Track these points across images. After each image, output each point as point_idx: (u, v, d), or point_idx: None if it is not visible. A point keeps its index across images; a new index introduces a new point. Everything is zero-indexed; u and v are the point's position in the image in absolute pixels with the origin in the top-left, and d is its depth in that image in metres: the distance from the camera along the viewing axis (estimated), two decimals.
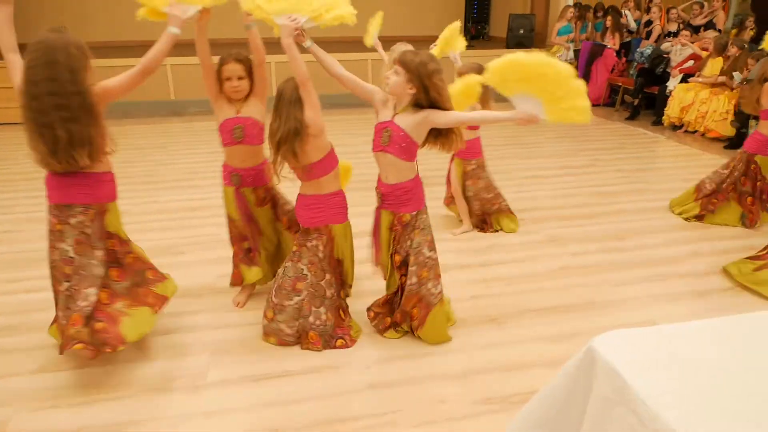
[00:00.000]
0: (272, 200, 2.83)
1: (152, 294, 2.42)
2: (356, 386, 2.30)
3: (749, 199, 3.85)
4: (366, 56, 8.18)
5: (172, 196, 4.54)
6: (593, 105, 8.55)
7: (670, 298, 3.00)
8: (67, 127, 2.02)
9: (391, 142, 2.31)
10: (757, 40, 7.15)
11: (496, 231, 3.81)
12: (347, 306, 2.68)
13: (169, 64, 8.00)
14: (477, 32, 10.78)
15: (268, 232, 2.86)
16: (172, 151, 5.99)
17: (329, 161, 2.43)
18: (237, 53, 2.60)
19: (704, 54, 6.82)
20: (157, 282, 2.47)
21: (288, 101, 2.27)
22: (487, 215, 3.82)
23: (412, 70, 2.20)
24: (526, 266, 3.34)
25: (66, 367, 2.40)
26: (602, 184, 4.87)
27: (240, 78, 2.58)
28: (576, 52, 8.59)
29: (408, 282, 2.48)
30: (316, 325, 2.50)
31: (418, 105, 2.27)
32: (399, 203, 2.41)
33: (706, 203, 3.97)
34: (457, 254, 3.49)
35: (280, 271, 2.54)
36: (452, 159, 3.79)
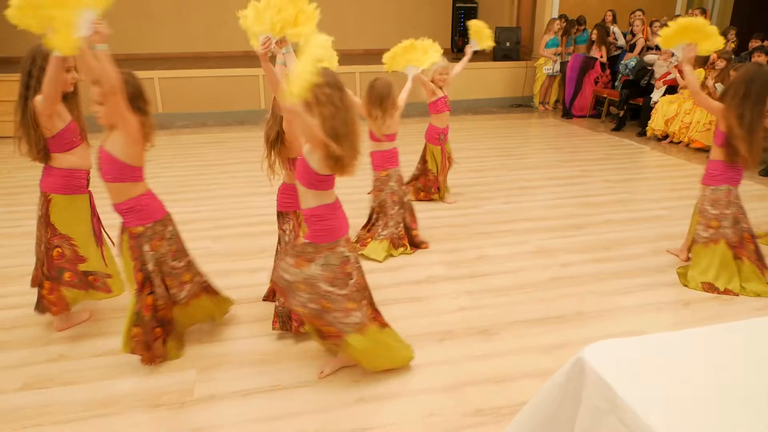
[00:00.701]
0: None
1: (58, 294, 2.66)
2: (346, 400, 2.28)
3: None
4: (354, 69, 8.24)
5: None
6: (581, 116, 8.70)
7: (658, 308, 3.02)
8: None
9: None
10: (738, 52, 7.31)
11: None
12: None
13: (156, 78, 7.99)
14: (464, 45, 10.88)
15: None
16: (160, 165, 5.96)
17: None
18: None
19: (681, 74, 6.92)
20: (73, 287, 2.65)
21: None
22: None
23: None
24: (515, 277, 3.35)
25: (51, 385, 2.37)
26: (589, 195, 4.90)
27: None
28: (563, 64, 8.70)
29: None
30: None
31: None
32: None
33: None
34: (445, 266, 3.49)
35: None
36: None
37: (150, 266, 2.38)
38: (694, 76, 3.29)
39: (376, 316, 2.40)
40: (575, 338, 2.70)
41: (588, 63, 8.31)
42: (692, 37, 3.15)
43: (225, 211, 4.46)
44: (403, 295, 3.14)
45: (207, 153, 6.49)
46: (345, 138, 2.04)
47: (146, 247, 2.37)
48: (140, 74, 6.73)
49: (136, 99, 2.27)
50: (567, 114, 8.57)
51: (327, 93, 2.00)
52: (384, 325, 2.42)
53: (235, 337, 2.72)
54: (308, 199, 2.19)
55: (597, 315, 2.95)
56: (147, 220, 2.39)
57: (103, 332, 2.76)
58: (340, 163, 2.06)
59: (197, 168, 5.81)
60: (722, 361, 1.59)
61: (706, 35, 3.15)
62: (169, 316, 2.50)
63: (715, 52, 6.53)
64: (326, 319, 2.25)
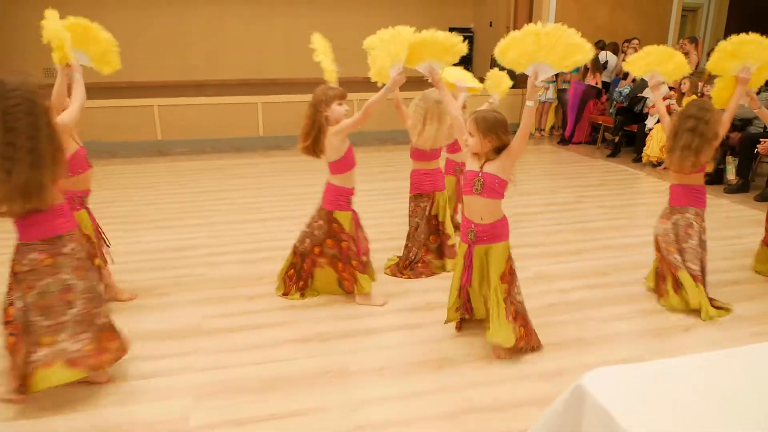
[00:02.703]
0: None
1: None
2: (344, 429, 2.25)
3: None
4: (353, 96, 8.32)
5: (157, 237, 4.50)
6: (577, 143, 8.76)
7: (656, 334, 3.00)
8: None
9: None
10: None
11: None
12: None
13: (156, 105, 8.07)
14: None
15: None
16: (158, 191, 5.98)
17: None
18: None
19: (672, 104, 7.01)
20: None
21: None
22: None
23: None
24: None
25: (42, 415, 2.33)
26: (586, 221, 4.92)
27: None
28: (560, 91, 8.82)
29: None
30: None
31: None
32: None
33: None
34: (444, 292, 3.47)
35: None
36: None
37: None
38: (661, 102, 3.53)
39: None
40: (574, 365, 2.68)
41: (589, 92, 8.42)
42: (658, 64, 3.38)
43: (221, 238, 4.46)
44: (401, 322, 3.12)
45: (204, 179, 6.52)
46: None
47: None
48: (139, 102, 6.83)
49: None
50: (564, 140, 8.65)
51: None
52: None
53: (232, 365, 2.69)
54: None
55: (596, 341, 2.93)
56: None
57: None
58: None
59: (194, 194, 5.82)
60: (722, 387, 1.58)
61: (669, 61, 3.32)
62: None
63: (703, 78, 6.64)
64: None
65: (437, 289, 3.48)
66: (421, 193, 3.70)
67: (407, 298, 3.39)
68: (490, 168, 2.59)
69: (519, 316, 2.74)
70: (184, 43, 11.09)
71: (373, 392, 2.48)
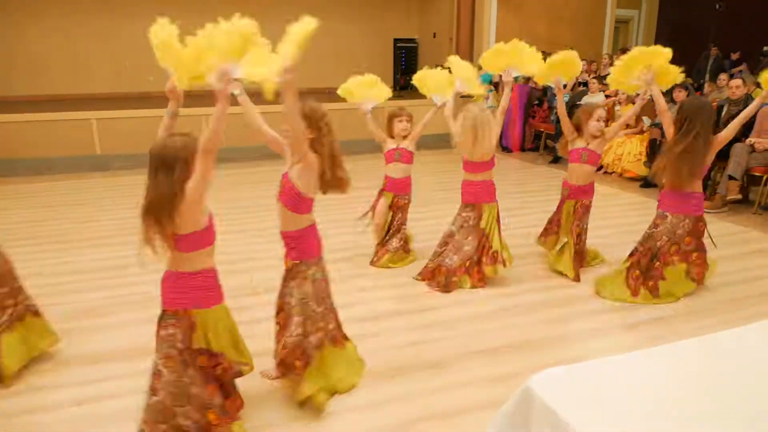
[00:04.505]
0: None
1: None
2: None
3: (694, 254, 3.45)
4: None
5: (96, 255, 4.31)
6: (522, 150, 8.98)
7: (601, 333, 3.11)
8: None
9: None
10: None
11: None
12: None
13: (94, 119, 7.78)
14: (405, 83, 11.20)
15: None
16: (98, 208, 5.74)
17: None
18: None
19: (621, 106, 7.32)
20: None
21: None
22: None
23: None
24: (464, 309, 3.38)
25: None
26: (532, 225, 5.03)
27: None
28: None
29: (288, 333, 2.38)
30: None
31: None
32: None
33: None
34: (395, 301, 3.49)
35: None
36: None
37: None
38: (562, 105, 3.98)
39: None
40: (525, 367, 2.73)
41: (534, 93, 8.67)
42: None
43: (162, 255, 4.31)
44: (352, 332, 3.09)
45: None
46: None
47: None
48: (76, 115, 6.54)
49: None
50: (506, 148, 8.88)
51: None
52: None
53: None
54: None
55: (545, 343, 3.00)
56: None
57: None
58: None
59: (136, 210, 5.62)
60: (664, 381, 1.65)
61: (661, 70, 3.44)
62: None
63: None
64: (303, 345, 2.36)
65: (386, 298, 3.49)
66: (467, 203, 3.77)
67: (356, 310, 3.37)
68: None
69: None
70: (124, 55, 10.77)
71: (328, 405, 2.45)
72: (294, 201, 2.37)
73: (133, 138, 7.96)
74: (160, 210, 1.96)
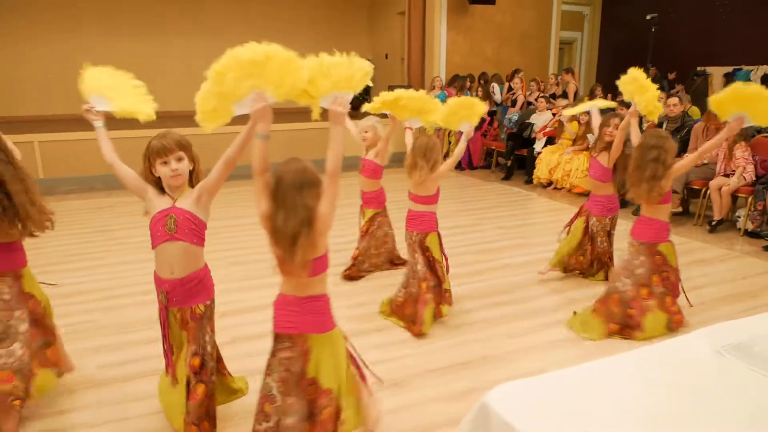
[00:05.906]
0: None
1: (60, 354, 2.58)
2: None
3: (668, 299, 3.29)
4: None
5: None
6: (473, 168, 9.16)
7: (556, 346, 3.17)
8: None
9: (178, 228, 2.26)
10: None
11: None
12: None
13: (36, 141, 7.50)
14: (357, 104, 11.29)
15: None
16: (43, 235, 5.49)
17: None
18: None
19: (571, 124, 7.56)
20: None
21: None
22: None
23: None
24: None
25: None
26: (487, 241, 5.13)
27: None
28: None
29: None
30: None
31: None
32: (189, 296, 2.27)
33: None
34: (348, 321, 3.47)
35: None
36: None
37: None
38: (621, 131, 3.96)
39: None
40: (483, 382, 2.75)
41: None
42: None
43: (116, 280, 4.18)
44: None
45: (94, 219, 6.11)
46: None
47: None
48: (18, 138, 6.26)
49: None
50: (458, 166, 9.04)
51: None
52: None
53: (134, 416, 2.50)
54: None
55: (503, 357, 3.04)
56: None
57: None
58: None
59: (83, 235, 5.43)
60: (617, 390, 1.69)
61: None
62: None
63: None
64: None
65: (340, 318, 3.47)
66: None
67: None
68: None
69: None
70: (68, 74, 10.46)
71: None
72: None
73: (77, 161, 7.71)
74: (306, 235, 1.85)
